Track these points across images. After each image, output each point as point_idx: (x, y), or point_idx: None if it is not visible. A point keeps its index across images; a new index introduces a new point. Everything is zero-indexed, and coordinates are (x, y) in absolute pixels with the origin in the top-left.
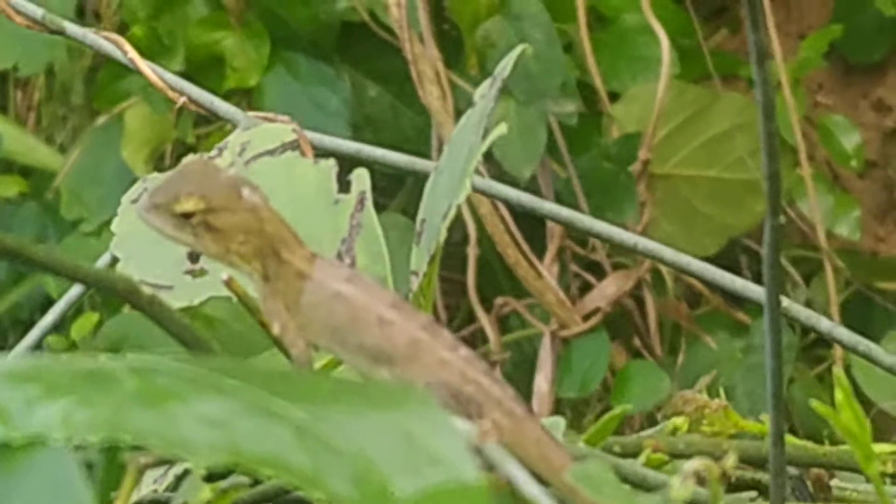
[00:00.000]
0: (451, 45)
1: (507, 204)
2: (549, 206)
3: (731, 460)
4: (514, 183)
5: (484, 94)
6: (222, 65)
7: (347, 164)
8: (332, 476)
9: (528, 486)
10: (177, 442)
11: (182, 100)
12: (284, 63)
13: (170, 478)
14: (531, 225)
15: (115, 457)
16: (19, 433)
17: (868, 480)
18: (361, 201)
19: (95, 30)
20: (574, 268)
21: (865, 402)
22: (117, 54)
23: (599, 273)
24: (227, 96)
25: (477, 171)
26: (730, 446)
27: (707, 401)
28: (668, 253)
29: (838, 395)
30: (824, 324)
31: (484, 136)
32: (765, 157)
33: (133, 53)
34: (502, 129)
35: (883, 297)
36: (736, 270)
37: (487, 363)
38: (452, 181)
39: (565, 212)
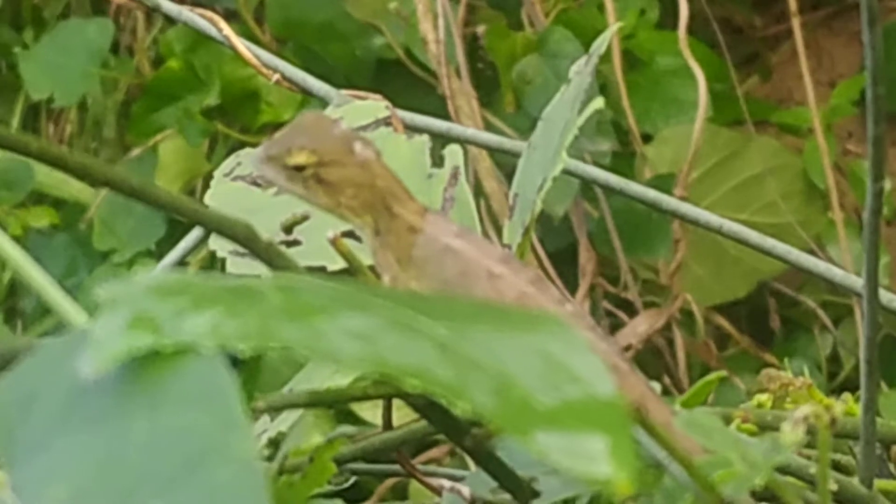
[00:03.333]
0: (486, 85)
1: (542, 239)
2: (636, 188)
3: (839, 408)
4: (547, 221)
5: (579, 70)
6: (257, 99)
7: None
8: (475, 388)
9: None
10: (324, 351)
11: (276, 77)
12: (319, 99)
13: (262, 441)
14: (563, 262)
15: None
16: (169, 341)
17: None
18: (455, 175)
19: (190, 7)
20: (605, 305)
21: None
22: (212, 31)
23: (630, 311)
24: (260, 131)
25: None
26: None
27: (791, 378)
28: (752, 236)
29: None
30: None
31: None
32: (869, 121)
33: (228, 31)
34: (599, 102)
35: None
36: (764, 314)
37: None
38: (546, 156)
39: (651, 193)
